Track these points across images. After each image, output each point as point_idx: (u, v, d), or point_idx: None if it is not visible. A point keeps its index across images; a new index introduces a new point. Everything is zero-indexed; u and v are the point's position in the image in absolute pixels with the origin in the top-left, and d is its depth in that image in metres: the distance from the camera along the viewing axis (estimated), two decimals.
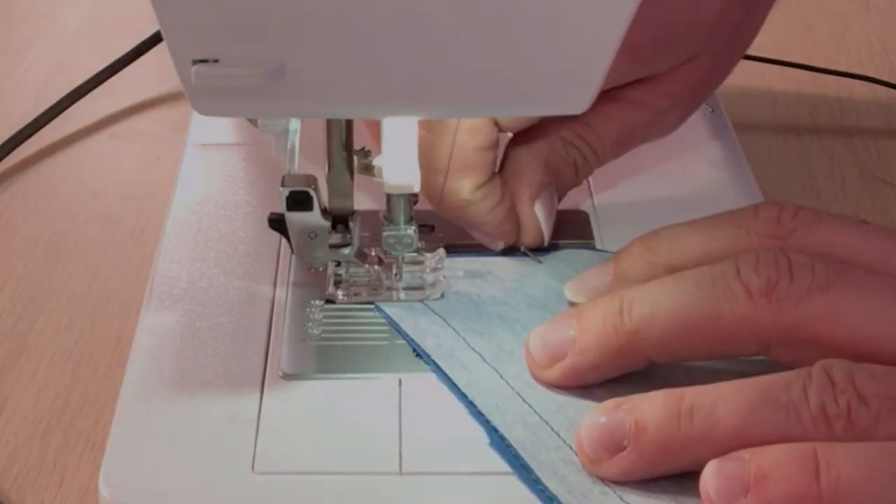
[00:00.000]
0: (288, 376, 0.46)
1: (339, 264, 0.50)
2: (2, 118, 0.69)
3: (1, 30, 0.79)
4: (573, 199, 0.55)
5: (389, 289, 0.49)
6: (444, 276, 0.49)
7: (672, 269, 0.44)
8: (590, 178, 0.56)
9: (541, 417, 0.43)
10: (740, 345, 0.41)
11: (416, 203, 0.48)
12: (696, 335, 0.41)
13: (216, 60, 0.39)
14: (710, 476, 0.38)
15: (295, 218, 0.48)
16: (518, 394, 0.44)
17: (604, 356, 0.43)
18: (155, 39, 0.72)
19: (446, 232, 0.52)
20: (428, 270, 0.50)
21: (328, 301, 0.49)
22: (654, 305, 0.42)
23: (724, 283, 0.41)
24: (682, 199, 0.56)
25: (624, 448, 0.40)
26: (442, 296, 0.49)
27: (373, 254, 0.49)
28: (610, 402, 0.41)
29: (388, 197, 0.47)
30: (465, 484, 0.41)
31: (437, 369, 0.45)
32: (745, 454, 0.38)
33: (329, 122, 0.46)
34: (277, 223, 0.49)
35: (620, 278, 0.45)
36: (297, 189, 0.46)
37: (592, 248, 0.52)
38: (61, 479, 0.47)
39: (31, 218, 0.62)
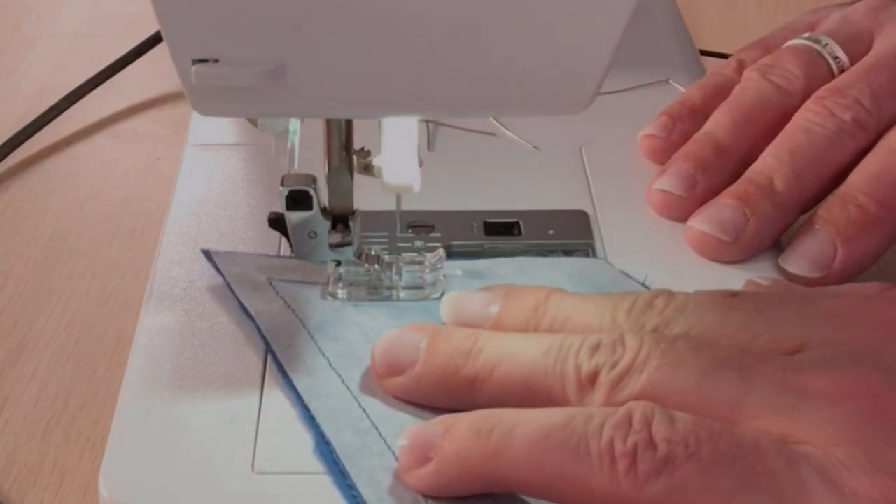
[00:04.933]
0: None
1: (338, 264, 0.50)
2: (2, 118, 0.69)
3: (1, 30, 0.79)
4: (573, 199, 0.55)
5: (389, 288, 0.49)
6: (444, 276, 0.49)
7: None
8: (590, 178, 0.56)
9: (372, 423, 0.42)
10: None
11: None
12: (528, 399, 0.40)
13: (216, 60, 0.39)
14: None
15: (295, 217, 0.48)
16: (356, 399, 0.43)
17: (437, 394, 0.42)
18: (155, 39, 0.72)
19: (446, 232, 0.53)
20: (428, 270, 0.50)
21: None
22: (499, 357, 0.41)
23: (564, 356, 0.40)
24: None
25: (430, 460, 0.39)
26: (442, 295, 0.49)
27: (373, 253, 0.49)
28: (440, 417, 0.40)
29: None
30: None
31: (282, 371, 0.45)
32: None
33: (329, 122, 0.46)
34: (277, 223, 0.49)
35: (498, 324, 0.45)
36: (297, 188, 0.46)
37: (590, 250, 0.52)
38: (61, 479, 0.47)
39: (31, 218, 0.61)
